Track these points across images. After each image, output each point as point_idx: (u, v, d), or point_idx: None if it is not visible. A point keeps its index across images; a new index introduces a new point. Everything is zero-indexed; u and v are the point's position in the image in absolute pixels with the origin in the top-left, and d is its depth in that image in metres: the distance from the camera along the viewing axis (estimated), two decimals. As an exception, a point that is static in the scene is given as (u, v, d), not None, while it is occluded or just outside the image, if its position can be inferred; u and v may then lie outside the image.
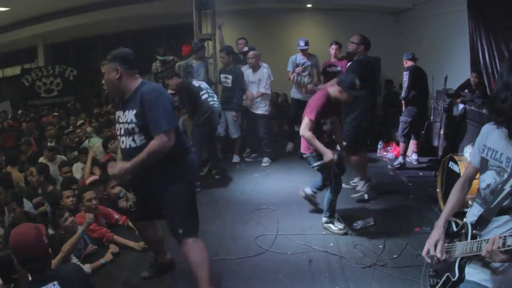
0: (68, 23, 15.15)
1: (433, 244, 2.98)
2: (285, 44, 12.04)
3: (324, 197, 6.26)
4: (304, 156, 6.21)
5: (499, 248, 2.44)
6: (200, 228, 4.94)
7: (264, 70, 9.26)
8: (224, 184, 8.23)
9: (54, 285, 3.12)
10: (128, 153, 4.27)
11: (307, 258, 5.46)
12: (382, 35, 12.82)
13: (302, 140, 6.13)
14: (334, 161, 5.75)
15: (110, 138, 8.88)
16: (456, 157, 6.37)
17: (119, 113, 4.34)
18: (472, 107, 8.13)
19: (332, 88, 5.96)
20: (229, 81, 9.17)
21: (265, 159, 9.57)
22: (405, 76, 8.89)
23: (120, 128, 4.33)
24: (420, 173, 8.56)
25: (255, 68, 9.21)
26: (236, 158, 9.71)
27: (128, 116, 4.19)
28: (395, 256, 5.43)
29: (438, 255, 2.94)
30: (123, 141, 4.32)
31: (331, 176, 6.02)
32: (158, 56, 11.30)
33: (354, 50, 7.10)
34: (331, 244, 5.82)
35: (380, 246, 5.71)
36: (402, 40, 13.90)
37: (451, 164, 6.52)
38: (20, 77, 17.46)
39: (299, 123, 9.59)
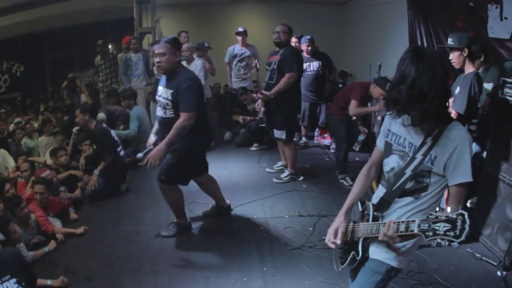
0: (15, 19, 14.92)
1: (332, 232, 3.04)
2: (227, 36, 11.98)
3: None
4: (334, 117, 7.53)
5: (394, 232, 2.53)
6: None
7: (198, 62, 9.19)
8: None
9: None
10: (162, 122, 5.39)
11: (237, 242, 5.57)
12: (324, 25, 12.97)
13: (334, 104, 7.57)
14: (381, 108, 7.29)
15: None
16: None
17: (160, 88, 5.35)
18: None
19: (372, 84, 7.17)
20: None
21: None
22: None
23: (159, 100, 5.36)
24: (357, 158, 8.65)
25: (189, 60, 9.14)
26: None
27: (164, 94, 5.21)
28: (324, 237, 5.45)
29: (338, 242, 3.00)
30: (158, 111, 5.40)
31: (348, 136, 7.55)
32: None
33: (286, 40, 7.29)
34: (262, 228, 5.95)
35: (310, 229, 5.84)
36: (344, 30, 14.01)
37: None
38: (-31, 74, 17.12)
39: (237, 111, 9.71)
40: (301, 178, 7.61)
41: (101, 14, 14.96)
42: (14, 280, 3.31)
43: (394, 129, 2.88)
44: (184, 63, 9.00)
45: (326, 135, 9.85)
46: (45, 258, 5.37)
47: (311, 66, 9.30)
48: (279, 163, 8.08)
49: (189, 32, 10.43)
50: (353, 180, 6.56)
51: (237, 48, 9.98)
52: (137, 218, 6.27)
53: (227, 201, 6.34)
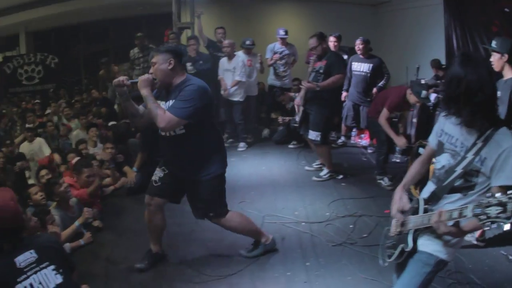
0: (50, 11, 15.07)
1: (398, 199, 3.17)
2: (263, 34, 12.06)
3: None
4: (374, 120, 7.31)
5: (446, 220, 2.67)
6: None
7: (239, 58, 9.37)
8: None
9: (31, 253, 3.11)
10: (169, 139, 4.57)
11: (280, 236, 5.61)
12: (359, 26, 12.85)
13: (373, 107, 7.57)
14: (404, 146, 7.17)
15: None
16: (425, 143, 6.56)
17: (161, 103, 4.47)
18: (445, 96, 8.27)
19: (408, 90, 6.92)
20: (191, 68, 9.30)
21: (241, 144, 9.72)
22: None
23: None
24: (397, 160, 8.63)
25: (230, 56, 9.30)
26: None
27: (168, 106, 4.40)
28: (365, 235, 5.62)
29: (407, 207, 3.12)
30: None
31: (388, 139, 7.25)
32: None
33: (324, 49, 7.38)
34: (303, 224, 6.01)
35: (351, 226, 5.90)
36: (379, 32, 13.96)
37: (420, 150, 6.70)
38: (1, 64, 17.31)
39: (275, 109, 9.83)
40: (340, 176, 7.67)
41: (137, 8, 15.07)
42: (52, 267, 3.22)
43: (447, 129, 3.01)
44: (225, 59, 9.16)
45: (363, 135, 9.86)
46: (85, 248, 5.49)
47: (361, 67, 9.24)
48: (318, 161, 8.14)
49: (226, 29, 10.57)
50: (391, 180, 6.74)
51: (277, 46, 10.09)
52: (178, 211, 6.09)
53: None
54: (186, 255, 5.33)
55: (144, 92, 4.25)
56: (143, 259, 5.10)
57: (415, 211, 3.09)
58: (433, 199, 3.04)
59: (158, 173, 4.93)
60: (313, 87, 7.12)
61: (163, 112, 4.23)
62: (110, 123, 9.92)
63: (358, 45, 9.15)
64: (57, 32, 17.74)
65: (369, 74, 9.21)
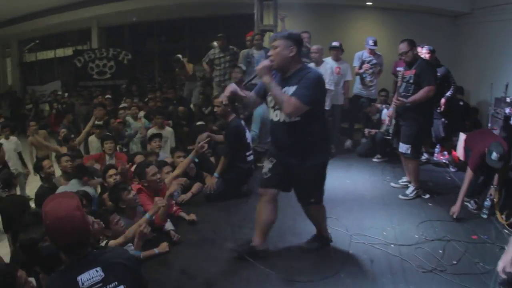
0: (124, 7, 15.30)
1: (509, 260, 3.00)
2: (343, 40, 11.62)
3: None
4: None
5: None
6: None
7: (327, 65, 9.22)
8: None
9: (97, 271, 2.82)
10: (282, 125, 4.80)
11: (368, 258, 5.46)
12: (439, 37, 12.67)
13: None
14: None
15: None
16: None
17: None
18: (531, 117, 8.01)
19: None
20: None
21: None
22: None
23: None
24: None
25: (318, 63, 9.13)
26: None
27: (288, 92, 4.60)
28: (454, 262, 5.36)
29: None
30: (276, 115, 4.82)
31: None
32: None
33: (414, 56, 7.18)
34: (392, 246, 5.81)
35: (440, 251, 5.65)
36: (459, 44, 13.71)
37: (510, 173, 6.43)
38: (72, 58, 17.64)
39: (359, 120, 9.72)
40: (427, 196, 7.40)
41: (216, 8, 15.19)
42: (121, 287, 2.90)
43: None
44: (312, 65, 8.91)
45: (445, 152, 9.59)
46: (158, 258, 5.37)
47: None
48: (404, 179, 7.91)
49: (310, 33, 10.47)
50: (477, 203, 6.48)
51: (365, 54, 10.02)
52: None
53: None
54: (269, 274, 5.15)
55: (266, 79, 4.55)
56: (242, 245, 5.46)
57: None
58: None
59: (267, 165, 5.16)
60: (403, 104, 7.02)
61: (289, 99, 4.47)
62: (199, 123, 9.99)
63: (424, 54, 8.89)
64: (131, 28, 18.00)
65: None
